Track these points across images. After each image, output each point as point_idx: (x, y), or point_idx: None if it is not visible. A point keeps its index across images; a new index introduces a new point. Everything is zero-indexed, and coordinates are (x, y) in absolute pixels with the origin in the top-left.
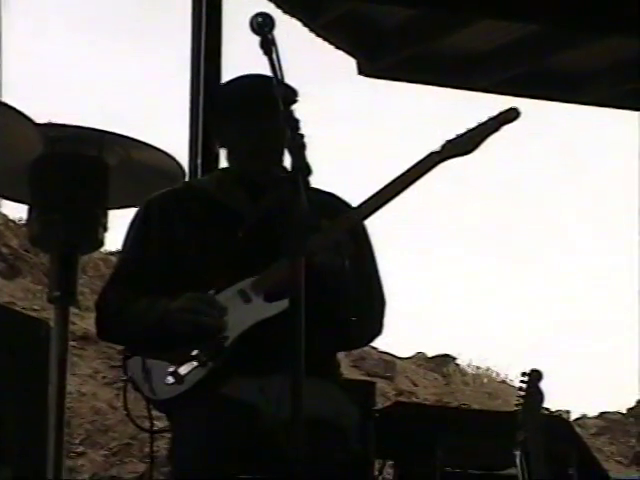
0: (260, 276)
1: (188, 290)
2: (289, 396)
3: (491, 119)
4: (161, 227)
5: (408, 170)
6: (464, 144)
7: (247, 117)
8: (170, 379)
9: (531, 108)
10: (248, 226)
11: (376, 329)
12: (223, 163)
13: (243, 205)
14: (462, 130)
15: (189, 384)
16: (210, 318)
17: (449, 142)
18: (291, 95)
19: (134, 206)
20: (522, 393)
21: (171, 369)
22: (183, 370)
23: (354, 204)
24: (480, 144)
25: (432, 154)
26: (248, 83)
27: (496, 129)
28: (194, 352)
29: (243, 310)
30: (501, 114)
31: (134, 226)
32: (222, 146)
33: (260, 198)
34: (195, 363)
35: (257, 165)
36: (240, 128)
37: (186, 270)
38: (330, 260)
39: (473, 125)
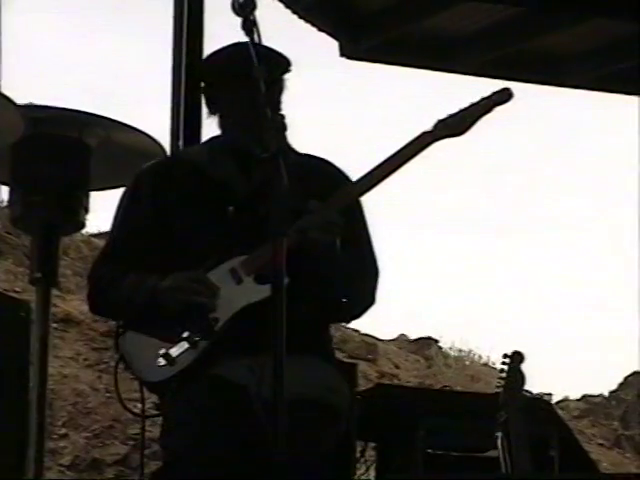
0: (250, 255)
1: (179, 265)
2: (273, 377)
3: (484, 99)
4: (151, 201)
5: (400, 150)
6: (456, 125)
7: (239, 83)
8: (161, 361)
9: (515, 91)
10: (239, 200)
11: (368, 301)
12: None
13: (234, 178)
14: (454, 110)
15: (181, 366)
16: (201, 297)
17: (441, 121)
18: (284, 64)
19: (115, 188)
20: (503, 375)
21: (162, 351)
22: (174, 352)
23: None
24: (472, 125)
25: (424, 133)
26: (239, 51)
27: (489, 110)
28: (185, 334)
29: (234, 291)
30: (494, 94)
31: (124, 200)
32: (213, 113)
33: (251, 170)
34: (186, 344)
35: (249, 132)
36: (232, 95)
37: (177, 244)
38: (321, 238)
39: (465, 105)
